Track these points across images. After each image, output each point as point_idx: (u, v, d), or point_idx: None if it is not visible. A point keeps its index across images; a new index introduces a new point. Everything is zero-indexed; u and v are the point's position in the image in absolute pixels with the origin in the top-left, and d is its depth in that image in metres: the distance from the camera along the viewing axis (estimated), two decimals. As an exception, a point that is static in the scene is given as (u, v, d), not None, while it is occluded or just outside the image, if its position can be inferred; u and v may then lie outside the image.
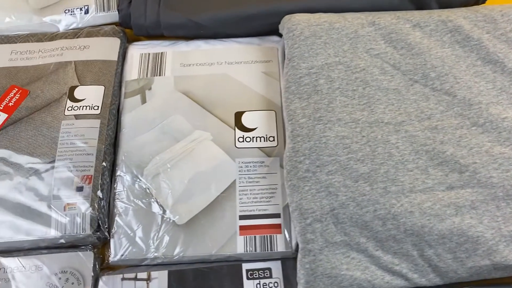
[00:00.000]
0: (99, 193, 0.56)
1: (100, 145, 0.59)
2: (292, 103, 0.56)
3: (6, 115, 0.62)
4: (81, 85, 0.63)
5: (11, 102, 0.63)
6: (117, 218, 0.56)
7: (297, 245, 0.53)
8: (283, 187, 0.55)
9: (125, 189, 0.58)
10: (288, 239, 0.54)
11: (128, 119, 0.62)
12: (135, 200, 0.57)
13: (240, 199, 0.56)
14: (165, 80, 0.64)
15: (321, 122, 0.53)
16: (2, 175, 0.57)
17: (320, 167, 0.51)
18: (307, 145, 0.52)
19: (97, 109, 0.61)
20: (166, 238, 0.55)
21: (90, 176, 0.57)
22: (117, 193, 0.58)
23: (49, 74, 0.64)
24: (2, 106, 0.62)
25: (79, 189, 0.56)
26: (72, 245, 0.55)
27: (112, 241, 0.55)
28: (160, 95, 0.63)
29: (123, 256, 0.54)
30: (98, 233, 0.55)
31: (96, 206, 0.55)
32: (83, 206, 0.55)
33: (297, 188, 0.51)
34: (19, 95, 0.63)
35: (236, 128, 0.60)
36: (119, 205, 0.57)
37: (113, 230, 0.56)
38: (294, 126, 0.54)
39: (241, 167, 0.58)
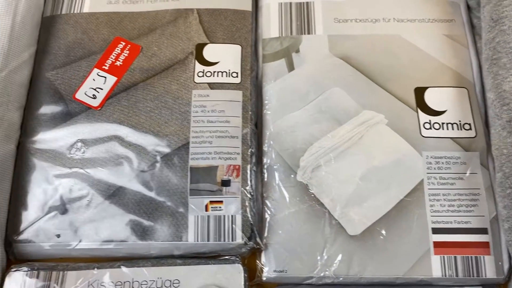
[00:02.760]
0: (249, 189, 0.43)
1: (245, 125, 0.45)
2: (505, 82, 0.43)
3: (116, 78, 0.47)
4: (210, 42, 0.48)
5: (119, 61, 0.48)
6: (270, 222, 0.44)
7: (510, 271, 0.42)
8: (487, 193, 0.44)
9: (276, 183, 0.44)
10: (499, 262, 0.42)
11: (272, 90, 0.48)
12: (291, 199, 0.44)
13: (431, 206, 0.43)
14: (316, 40, 0.50)
15: (553, 111, 0.40)
16: (119, 159, 0.44)
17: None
18: (536, 142, 0.39)
19: (236, 76, 0.47)
20: (338, 253, 0.42)
21: (237, 167, 0.43)
22: (266, 189, 0.44)
23: (165, 25, 0.49)
24: (108, 65, 0.48)
25: (225, 183, 0.43)
26: (214, 256, 0.43)
27: (265, 252, 0.43)
28: (313, 60, 0.49)
29: (283, 272, 0.42)
30: (252, 242, 0.42)
31: (248, 207, 0.42)
32: (232, 206, 0.42)
33: (524, 200, 0.39)
34: (128, 52, 0.48)
35: (418, 109, 0.46)
36: (271, 205, 0.44)
37: (265, 238, 0.43)
38: (514, 115, 0.41)
39: (430, 163, 0.44)
